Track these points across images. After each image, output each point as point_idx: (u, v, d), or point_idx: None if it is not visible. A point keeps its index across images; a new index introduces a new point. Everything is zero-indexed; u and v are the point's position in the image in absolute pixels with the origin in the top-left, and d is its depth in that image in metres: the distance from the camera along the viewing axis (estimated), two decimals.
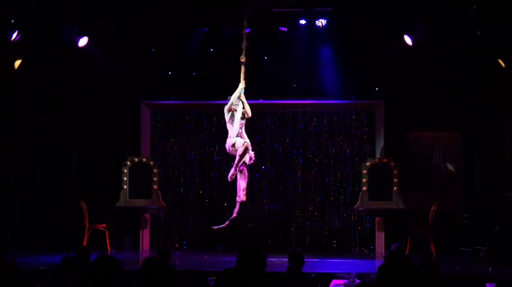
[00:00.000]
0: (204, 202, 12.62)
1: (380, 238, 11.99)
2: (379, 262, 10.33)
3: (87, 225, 11.46)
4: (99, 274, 3.90)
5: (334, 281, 7.23)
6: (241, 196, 9.22)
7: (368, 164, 11.85)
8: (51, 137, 12.31)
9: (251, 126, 10.12)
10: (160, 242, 11.99)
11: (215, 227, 9.54)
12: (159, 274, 3.92)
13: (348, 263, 10.40)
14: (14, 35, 10.73)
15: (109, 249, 11.47)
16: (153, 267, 3.94)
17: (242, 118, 9.31)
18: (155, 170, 12.04)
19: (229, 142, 9.23)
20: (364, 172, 11.82)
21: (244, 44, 9.88)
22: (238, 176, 9.28)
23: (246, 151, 9.11)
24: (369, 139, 12.43)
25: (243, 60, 9.95)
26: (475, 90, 11.69)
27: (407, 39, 11.17)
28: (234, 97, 9.32)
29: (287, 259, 6.25)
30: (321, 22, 11.22)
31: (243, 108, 9.33)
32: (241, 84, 9.45)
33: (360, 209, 11.69)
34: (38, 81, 12.16)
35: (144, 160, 12.12)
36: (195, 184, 12.63)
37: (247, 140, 9.24)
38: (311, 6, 11.02)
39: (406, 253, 10.12)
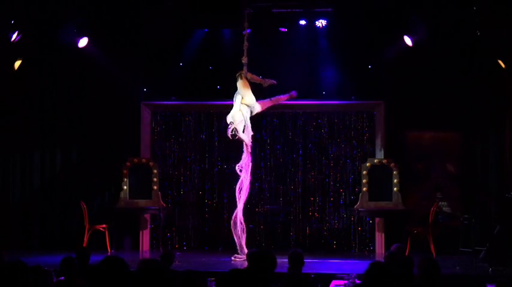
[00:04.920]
0: (204, 202, 12.62)
1: (380, 238, 11.98)
2: None
3: (87, 225, 11.46)
4: (106, 276, 3.88)
5: (334, 282, 7.23)
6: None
7: (368, 164, 11.85)
8: (51, 137, 12.32)
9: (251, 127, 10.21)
10: (160, 243, 11.98)
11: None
12: (154, 276, 3.91)
13: (348, 264, 10.40)
14: (14, 36, 10.72)
15: (109, 250, 11.46)
16: (148, 269, 3.93)
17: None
18: (155, 171, 12.03)
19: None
20: (364, 172, 11.82)
21: (245, 45, 9.89)
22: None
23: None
24: (369, 140, 12.42)
25: (244, 61, 9.98)
26: (475, 91, 11.69)
27: (407, 40, 11.17)
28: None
29: (287, 260, 6.24)
30: (320, 23, 11.23)
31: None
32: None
33: (360, 209, 11.69)
34: (38, 81, 12.17)
35: (144, 160, 12.12)
36: (195, 185, 12.63)
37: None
38: (311, 7, 11.02)
39: (406, 253, 10.11)
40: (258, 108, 10.08)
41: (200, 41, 11.97)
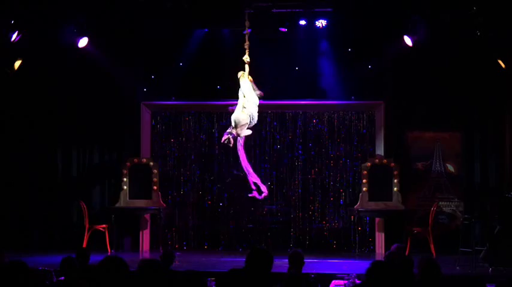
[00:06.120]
0: (204, 202, 12.62)
1: (380, 238, 11.98)
2: None
3: (87, 226, 11.47)
4: (105, 276, 3.88)
5: (334, 282, 7.24)
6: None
7: (368, 164, 11.85)
8: (51, 137, 12.32)
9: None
10: (160, 243, 11.98)
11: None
12: (154, 276, 3.91)
13: (348, 264, 10.40)
14: (14, 36, 10.72)
15: (109, 250, 11.47)
16: (148, 269, 3.93)
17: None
18: (155, 171, 12.04)
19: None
20: (364, 172, 11.82)
21: (246, 44, 9.84)
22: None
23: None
24: (369, 139, 12.43)
25: (247, 60, 9.90)
26: (475, 90, 11.69)
27: (408, 40, 11.17)
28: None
29: (287, 260, 6.24)
30: (321, 23, 11.22)
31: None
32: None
33: (360, 209, 11.69)
34: (38, 82, 12.17)
35: (144, 160, 12.12)
36: (195, 185, 12.63)
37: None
38: (311, 7, 11.01)
39: (406, 253, 10.11)
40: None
41: (200, 41, 11.97)
